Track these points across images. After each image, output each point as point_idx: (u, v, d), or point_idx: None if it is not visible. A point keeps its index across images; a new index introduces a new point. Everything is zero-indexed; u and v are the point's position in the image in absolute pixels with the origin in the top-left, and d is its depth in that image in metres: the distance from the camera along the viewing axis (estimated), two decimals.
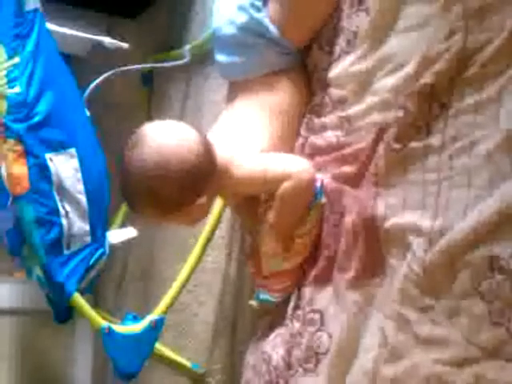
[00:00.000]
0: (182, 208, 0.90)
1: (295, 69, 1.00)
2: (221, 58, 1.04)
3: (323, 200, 0.89)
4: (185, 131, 0.90)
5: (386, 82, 0.81)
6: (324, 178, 0.90)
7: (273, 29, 0.96)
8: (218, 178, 0.91)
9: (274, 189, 0.91)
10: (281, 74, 0.99)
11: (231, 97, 1.06)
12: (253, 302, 1.00)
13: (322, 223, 0.90)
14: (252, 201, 1.00)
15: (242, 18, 0.98)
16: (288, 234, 0.92)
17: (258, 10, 0.97)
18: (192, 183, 0.88)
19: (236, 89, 1.04)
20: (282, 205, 0.91)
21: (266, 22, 0.96)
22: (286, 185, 0.89)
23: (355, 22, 0.88)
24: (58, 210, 1.11)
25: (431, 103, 0.74)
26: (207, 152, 0.89)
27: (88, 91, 1.33)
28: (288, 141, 0.98)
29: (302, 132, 0.97)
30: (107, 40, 1.43)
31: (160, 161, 0.85)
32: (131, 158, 0.87)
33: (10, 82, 1.08)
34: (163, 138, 0.88)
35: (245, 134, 0.97)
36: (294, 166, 0.91)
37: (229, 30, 1.00)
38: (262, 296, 0.97)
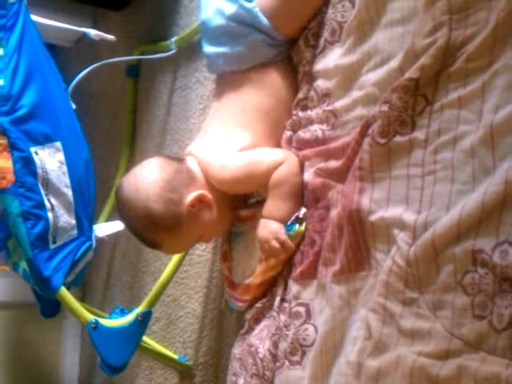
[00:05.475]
0: (182, 219, 0.96)
1: (284, 62, 0.99)
2: (209, 49, 1.03)
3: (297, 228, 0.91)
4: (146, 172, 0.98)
5: (372, 76, 0.81)
6: (303, 210, 0.92)
7: (263, 19, 0.94)
8: (205, 183, 0.98)
9: (264, 181, 0.93)
10: (269, 66, 0.98)
11: (218, 92, 1.05)
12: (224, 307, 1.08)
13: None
14: (230, 202, 1.02)
15: (232, 8, 0.96)
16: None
17: None
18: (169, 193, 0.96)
19: (223, 84, 1.03)
20: (277, 190, 0.92)
21: (256, 11, 0.94)
22: (281, 168, 0.93)
23: (340, 11, 0.88)
24: (43, 204, 1.10)
25: (416, 97, 0.74)
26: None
27: (73, 83, 1.32)
28: (273, 137, 0.98)
29: (288, 128, 0.97)
30: (93, 32, 1.41)
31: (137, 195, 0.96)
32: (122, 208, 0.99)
33: None
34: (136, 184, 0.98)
35: (226, 133, 0.98)
36: (280, 153, 0.95)
37: (218, 20, 0.99)
38: (230, 303, 1.04)
